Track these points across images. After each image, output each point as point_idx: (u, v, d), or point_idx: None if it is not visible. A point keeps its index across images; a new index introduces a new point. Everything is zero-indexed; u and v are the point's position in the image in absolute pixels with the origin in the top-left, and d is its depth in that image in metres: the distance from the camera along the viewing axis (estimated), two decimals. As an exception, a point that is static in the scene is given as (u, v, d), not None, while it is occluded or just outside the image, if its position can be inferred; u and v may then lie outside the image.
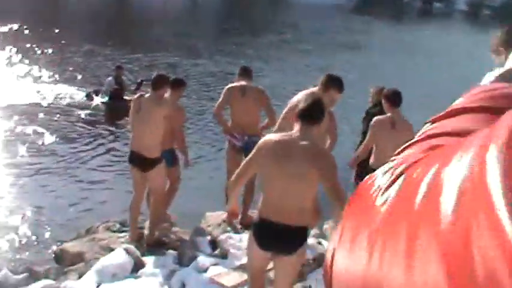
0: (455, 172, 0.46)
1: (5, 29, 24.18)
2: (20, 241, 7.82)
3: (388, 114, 6.33)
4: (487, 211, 0.41)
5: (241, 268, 5.81)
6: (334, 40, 32.24)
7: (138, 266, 6.20)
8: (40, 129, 12.20)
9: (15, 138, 11.60)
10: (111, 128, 12.86)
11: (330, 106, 5.55)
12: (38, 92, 15.06)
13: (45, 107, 14.00)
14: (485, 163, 0.44)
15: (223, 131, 7.70)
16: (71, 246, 6.98)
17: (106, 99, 13.98)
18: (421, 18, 65.10)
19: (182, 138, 7.14)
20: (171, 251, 6.71)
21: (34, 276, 6.39)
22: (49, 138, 11.82)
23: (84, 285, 5.78)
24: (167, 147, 6.84)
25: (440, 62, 29.23)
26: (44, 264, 6.94)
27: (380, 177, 0.59)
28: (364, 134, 7.02)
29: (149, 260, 6.39)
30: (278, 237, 4.22)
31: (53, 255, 7.20)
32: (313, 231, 6.85)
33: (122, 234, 7.17)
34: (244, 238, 6.21)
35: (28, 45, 20.82)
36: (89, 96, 14.57)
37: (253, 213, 6.98)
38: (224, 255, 6.46)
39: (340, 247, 0.56)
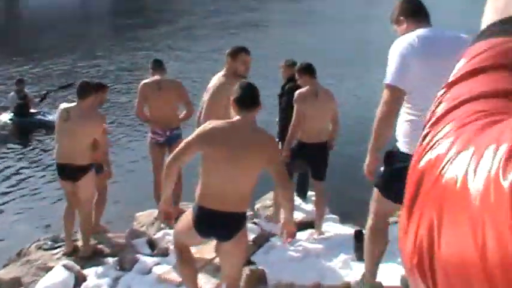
0: None
1: None
2: None
3: (307, 87, 6.41)
4: None
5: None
6: (231, 21, 32.34)
7: (80, 280, 6.05)
8: None
9: None
10: (19, 146, 12.49)
11: (245, 72, 5.72)
12: None
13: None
14: None
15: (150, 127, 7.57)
16: (5, 273, 6.69)
17: (13, 115, 13.57)
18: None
19: (104, 149, 6.88)
20: (110, 258, 6.57)
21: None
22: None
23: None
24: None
25: (336, 27, 29.88)
26: (-21, 297, 6.71)
27: (443, 150, 0.58)
28: (284, 110, 7.11)
29: (90, 272, 6.24)
30: (219, 225, 4.20)
31: (-13, 285, 6.96)
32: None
33: (56, 251, 6.97)
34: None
35: None
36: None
37: (184, 206, 7.01)
38: (165, 253, 6.42)
39: (444, 233, 0.53)
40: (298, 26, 31.34)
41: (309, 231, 6.81)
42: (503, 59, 0.64)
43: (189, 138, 4.12)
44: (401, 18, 4.07)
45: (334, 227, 7.01)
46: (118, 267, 6.26)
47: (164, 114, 7.20)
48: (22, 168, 11.05)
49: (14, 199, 9.69)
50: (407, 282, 0.86)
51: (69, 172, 6.43)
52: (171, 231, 6.78)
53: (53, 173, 10.17)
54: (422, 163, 0.60)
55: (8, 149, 12.26)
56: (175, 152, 4.14)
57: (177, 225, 4.57)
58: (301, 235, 6.62)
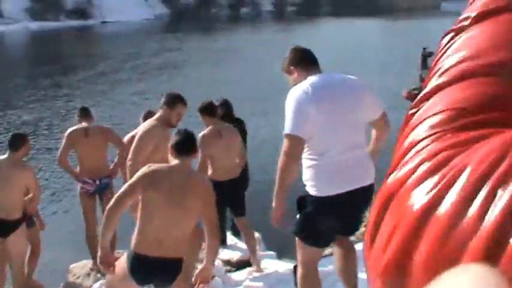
0: None
1: None
2: None
3: (210, 127, 6.42)
4: None
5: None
6: (150, 63, 32.38)
7: None
8: None
9: None
10: None
11: (177, 122, 5.72)
12: None
13: None
14: None
15: (74, 178, 7.41)
16: None
17: None
18: (231, 24, 66.73)
19: (37, 201, 6.60)
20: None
21: None
22: None
23: None
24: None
25: (249, 62, 30.37)
26: None
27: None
28: None
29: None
30: (158, 272, 4.15)
31: None
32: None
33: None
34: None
35: None
36: None
37: (119, 253, 6.90)
38: (104, 304, 6.28)
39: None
40: (216, 65, 31.65)
41: (248, 269, 6.80)
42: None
43: (132, 180, 4.09)
44: (291, 67, 4.20)
45: (272, 263, 7.01)
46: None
47: (93, 162, 7.03)
48: None
49: None
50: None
51: (0, 228, 6.21)
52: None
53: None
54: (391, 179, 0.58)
55: None
56: (117, 195, 4.07)
57: (109, 275, 4.45)
58: (241, 275, 6.61)
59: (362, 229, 5.06)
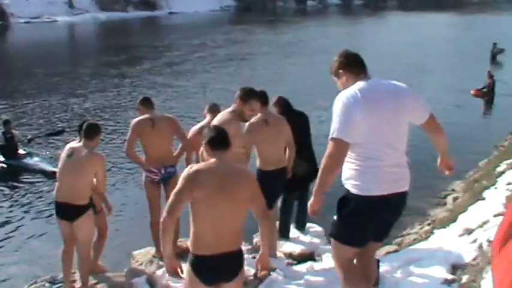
0: None
1: None
2: None
3: (259, 115, 6.43)
4: None
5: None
6: (216, 55, 32.59)
7: (79, 321, 6.00)
8: None
9: None
10: (7, 187, 12.36)
11: (250, 117, 5.85)
12: None
13: None
14: None
15: (140, 166, 7.53)
16: (3, 316, 6.66)
17: (1, 156, 13.49)
18: (297, 17, 66.51)
19: (103, 187, 6.75)
20: (110, 299, 6.53)
21: None
22: None
23: None
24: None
25: (316, 55, 30.21)
26: None
27: None
28: None
29: (90, 312, 6.19)
30: (222, 269, 4.17)
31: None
32: (246, 247, 6.89)
33: (54, 293, 6.92)
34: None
35: None
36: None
37: (182, 242, 6.98)
38: (165, 291, 6.36)
39: None
40: (282, 58, 31.63)
41: (309, 263, 6.77)
42: None
43: (178, 187, 4.09)
44: (340, 71, 4.28)
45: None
46: (118, 307, 6.20)
47: (159, 152, 7.15)
48: (14, 210, 10.94)
49: (8, 241, 9.58)
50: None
51: (67, 212, 6.38)
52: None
53: (47, 214, 10.15)
54: None
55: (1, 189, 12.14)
56: (168, 206, 4.09)
57: (184, 282, 4.46)
58: (302, 267, 6.59)
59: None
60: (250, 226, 4.54)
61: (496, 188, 8.72)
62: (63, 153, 6.51)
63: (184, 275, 4.23)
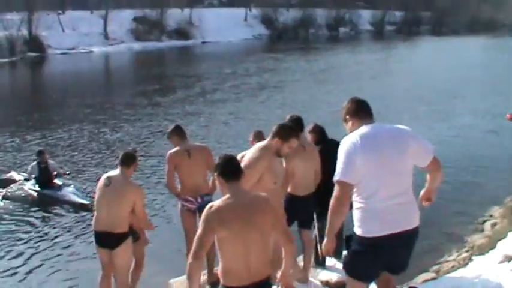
0: None
1: None
2: None
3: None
4: None
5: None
6: (247, 83, 32.65)
7: None
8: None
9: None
10: (43, 215, 12.44)
11: (285, 153, 5.64)
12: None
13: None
14: None
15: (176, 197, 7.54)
16: None
17: (36, 186, 13.65)
18: (330, 44, 66.67)
19: (144, 217, 6.76)
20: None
21: None
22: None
23: None
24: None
25: (349, 82, 30.21)
26: None
27: None
28: None
29: None
30: None
31: None
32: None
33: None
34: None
35: None
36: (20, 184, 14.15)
37: (217, 270, 6.95)
38: (200, 321, 6.32)
39: None
40: (315, 85, 31.65)
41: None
42: None
43: (200, 231, 4.06)
44: (347, 117, 4.61)
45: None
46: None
47: (195, 181, 7.22)
48: (47, 239, 10.99)
49: (44, 269, 9.63)
50: None
51: (106, 240, 6.42)
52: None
53: (86, 243, 10.22)
54: None
55: (34, 218, 12.24)
56: (193, 250, 4.04)
57: None
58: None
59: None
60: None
61: (535, 214, 8.57)
62: (101, 182, 6.56)
63: None
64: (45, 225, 11.72)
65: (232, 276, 4.09)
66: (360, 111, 4.53)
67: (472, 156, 15.82)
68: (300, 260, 7.25)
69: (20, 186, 13.95)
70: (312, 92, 29.07)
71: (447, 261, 8.25)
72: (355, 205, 4.38)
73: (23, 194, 13.66)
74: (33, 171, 13.62)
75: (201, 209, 7.05)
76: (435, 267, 7.99)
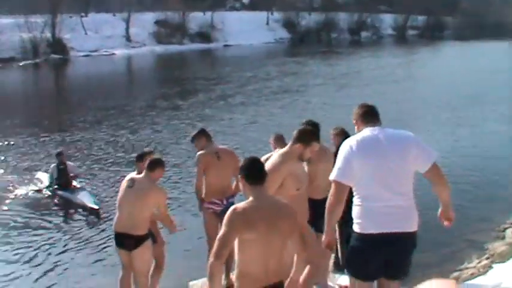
0: None
1: None
2: None
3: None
4: None
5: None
6: (268, 87, 32.60)
7: None
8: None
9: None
10: (61, 217, 12.56)
11: (308, 157, 5.62)
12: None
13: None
14: None
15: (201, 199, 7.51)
16: None
17: (55, 187, 13.74)
18: (351, 49, 66.46)
19: (168, 220, 6.84)
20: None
21: None
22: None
23: None
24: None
25: (370, 87, 30.08)
26: None
27: None
28: None
29: None
30: None
31: None
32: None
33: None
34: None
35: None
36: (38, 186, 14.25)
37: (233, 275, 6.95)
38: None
39: None
40: (336, 90, 31.58)
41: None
42: None
43: (224, 231, 4.05)
44: (354, 121, 4.84)
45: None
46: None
47: (222, 184, 7.27)
48: (64, 239, 11.06)
49: (64, 270, 9.70)
50: None
51: (126, 241, 6.46)
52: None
53: (104, 244, 10.28)
54: None
55: (48, 219, 12.30)
56: (215, 250, 4.03)
57: None
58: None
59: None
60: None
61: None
62: (124, 184, 6.62)
63: None
64: (58, 227, 11.79)
65: (249, 279, 4.08)
66: (366, 115, 4.73)
67: (493, 163, 15.66)
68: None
69: (38, 187, 14.13)
70: (333, 96, 29.04)
71: (467, 268, 8.18)
72: (354, 203, 4.55)
73: (39, 195, 13.80)
74: (53, 172, 13.74)
75: (225, 211, 7.08)
76: (455, 274, 7.93)
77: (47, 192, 13.77)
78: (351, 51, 61.27)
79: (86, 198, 12.84)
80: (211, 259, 4.03)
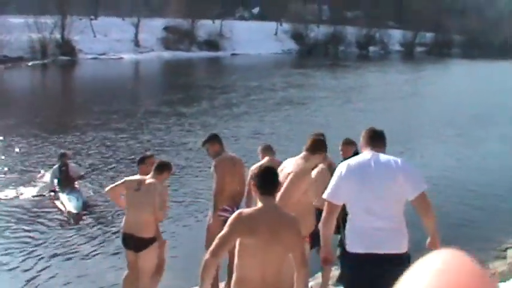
0: None
1: None
2: None
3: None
4: None
5: None
6: (272, 98, 32.53)
7: None
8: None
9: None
10: (58, 218, 12.50)
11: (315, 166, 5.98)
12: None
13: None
14: None
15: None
16: None
17: (56, 188, 13.70)
18: (358, 63, 66.49)
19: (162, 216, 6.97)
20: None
21: None
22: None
23: None
24: None
25: (376, 102, 30.05)
26: None
27: None
28: None
29: None
30: None
31: None
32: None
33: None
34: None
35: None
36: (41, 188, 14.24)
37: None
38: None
39: None
40: (341, 103, 31.57)
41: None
42: None
43: (225, 231, 4.07)
44: (361, 143, 5.13)
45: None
46: None
47: (235, 190, 7.30)
48: (71, 238, 11.05)
49: (66, 267, 9.68)
50: None
51: (133, 243, 6.62)
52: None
53: (105, 244, 10.28)
54: None
55: (53, 219, 12.31)
56: (212, 248, 4.05)
57: None
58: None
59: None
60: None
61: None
62: (130, 186, 6.72)
63: None
64: (58, 227, 11.79)
65: (245, 284, 4.08)
66: (369, 139, 4.99)
67: (496, 183, 15.61)
68: (319, 276, 7.21)
69: (40, 189, 14.14)
70: (337, 109, 29.02)
71: (467, 288, 8.11)
72: (347, 221, 4.81)
73: (39, 197, 13.81)
74: (55, 173, 13.72)
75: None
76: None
77: (47, 193, 13.75)
78: (358, 65, 61.25)
79: (69, 202, 12.66)
80: (207, 255, 4.06)
